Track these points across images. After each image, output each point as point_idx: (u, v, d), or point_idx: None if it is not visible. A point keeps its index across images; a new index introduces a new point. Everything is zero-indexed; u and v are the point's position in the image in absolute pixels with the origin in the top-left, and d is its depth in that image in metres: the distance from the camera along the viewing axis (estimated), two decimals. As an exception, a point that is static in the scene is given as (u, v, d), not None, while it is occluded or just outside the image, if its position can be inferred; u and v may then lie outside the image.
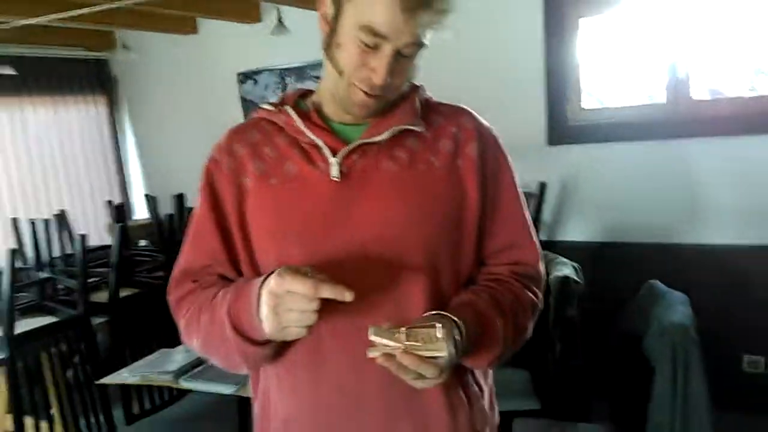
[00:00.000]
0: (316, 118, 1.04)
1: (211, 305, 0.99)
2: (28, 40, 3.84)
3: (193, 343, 1.05)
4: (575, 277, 2.41)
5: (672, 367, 1.87)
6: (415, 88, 1.08)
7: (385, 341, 0.82)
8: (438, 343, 0.83)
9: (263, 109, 1.09)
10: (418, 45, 0.95)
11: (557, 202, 3.24)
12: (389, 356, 0.82)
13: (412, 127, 1.02)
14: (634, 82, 3.17)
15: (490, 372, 1.14)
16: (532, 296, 1.07)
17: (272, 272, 0.87)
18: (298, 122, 1.02)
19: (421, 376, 0.84)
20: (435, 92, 1.12)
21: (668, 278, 2.48)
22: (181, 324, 1.06)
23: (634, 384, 2.20)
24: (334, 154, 1.00)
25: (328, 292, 0.83)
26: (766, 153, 2.78)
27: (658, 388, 1.91)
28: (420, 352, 0.82)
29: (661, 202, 3.02)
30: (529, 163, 3.13)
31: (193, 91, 4.41)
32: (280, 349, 1.01)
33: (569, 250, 2.99)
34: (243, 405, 2.62)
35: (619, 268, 3.03)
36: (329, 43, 0.97)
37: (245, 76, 4.16)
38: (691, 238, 2.96)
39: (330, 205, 0.99)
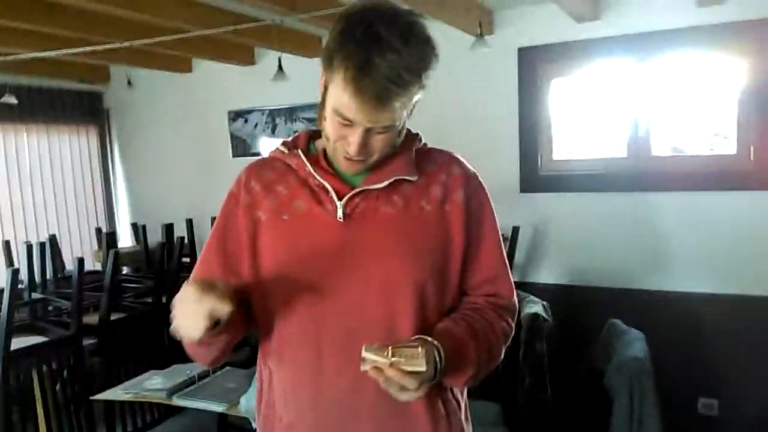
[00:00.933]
0: (323, 162, 1.17)
1: None
2: (27, 70, 3.98)
3: None
4: (544, 315, 2.61)
5: (629, 396, 2.05)
6: (413, 138, 1.23)
7: (374, 357, 0.98)
8: (419, 359, 0.98)
9: (278, 150, 1.22)
10: (389, 127, 1.07)
11: (529, 245, 3.47)
12: (378, 369, 0.98)
13: (407, 178, 1.17)
14: (599, 137, 3.45)
15: (465, 389, 1.29)
16: (505, 324, 1.23)
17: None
18: (309, 167, 1.15)
19: (403, 388, 0.99)
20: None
21: (628, 321, 2.67)
22: None
23: (595, 416, 2.37)
24: (339, 196, 1.13)
25: (209, 304, 0.97)
26: (720, 208, 3.04)
27: (616, 416, 2.09)
28: (403, 367, 0.97)
29: (623, 250, 3.26)
30: (503, 209, 3.27)
31: (183, 126, 4.58)
32: (287, 367, 1.18)
33: (539, 290, 3.19)
34: (223, 426, 2.74)
35: (584, 309, 3.24)
36: (320, 113, 1.11)
37: (236, 115, 4.35)
38: (651, 284, 3.19)
39: (335, 241, 1.13)
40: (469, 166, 1.25)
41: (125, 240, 4.79)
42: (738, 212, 3.01)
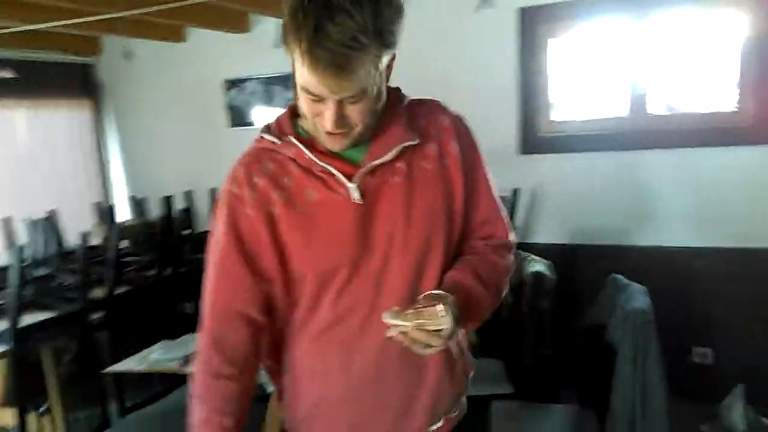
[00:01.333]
0: (320, 145, 1.13)
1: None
2: (17, 44, 3.92)
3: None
4: (548, 273, 2.64)
5: (633, 348, 2.09)
6: (396, 97, 1.19)
7: (399, 322, 1.01)
8: (441, 318, 1.02)
9: (266, 140, 1.17)
10: (360, 95, 1.02)
11: (529, 207, 3.48)
12: (404, 333, 1.01)
13: (411, 143, 1.16)
14: (598, 97, 3.44)
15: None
16: (506, 261, 1.28)
17: None
18: (308, 154, 1.12)
19: (428, 346, 1.03)
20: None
21: (627, 277, 2.71)
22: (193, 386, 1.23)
23: (598, 370, 2.41)
24: (347, 177, 1.12)
25: None
26: (713, 164, 3.06)
27: (620, 367, 2.13)
28: (428, 327, 1.01)
29: (622, 208, 3.29)
30: (503, 171, 3.29)
31: (179, 97, 4.53)
32: (317, 346, 1.20)
33: (540, 251, 3.22)
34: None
35: (584, 267, 3.28)
36: (294, 90, 1.07)
37: (231, 84, 4.30)
38: (648, 240, 3.23)
39: (357, 223, 1.13)
40: (453, 111, 1.25)
41: (122, 214, 4.77)
42: (738, 167, 3.03)
